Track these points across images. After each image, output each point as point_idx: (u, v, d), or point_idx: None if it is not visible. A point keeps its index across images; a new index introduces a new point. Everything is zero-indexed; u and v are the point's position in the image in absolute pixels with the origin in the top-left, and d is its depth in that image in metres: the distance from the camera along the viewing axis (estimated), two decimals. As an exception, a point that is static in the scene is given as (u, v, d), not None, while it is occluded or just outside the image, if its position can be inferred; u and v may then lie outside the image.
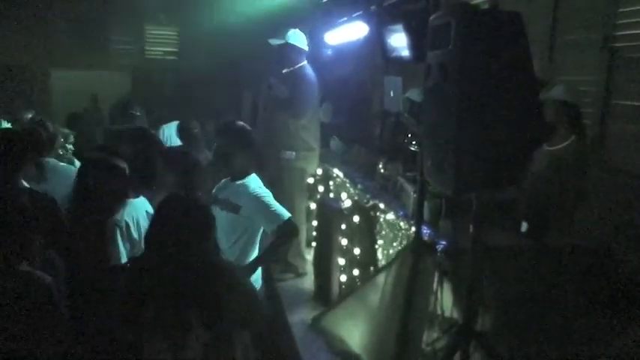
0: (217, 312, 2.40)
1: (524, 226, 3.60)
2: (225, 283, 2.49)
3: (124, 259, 3.03)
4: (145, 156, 3.66)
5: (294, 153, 5.41)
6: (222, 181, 3.74)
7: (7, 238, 2.50)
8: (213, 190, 3.73)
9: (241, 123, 3.87)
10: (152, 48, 11.79)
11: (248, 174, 3.63)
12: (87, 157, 3.34)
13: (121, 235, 3.06)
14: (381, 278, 3.61)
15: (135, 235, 3.10)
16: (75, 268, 3.04)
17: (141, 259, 2.59)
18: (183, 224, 2.46)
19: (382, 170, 4.67)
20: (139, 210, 3.18)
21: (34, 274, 2.53)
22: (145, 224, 3.08)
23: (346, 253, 4.57)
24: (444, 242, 3.28)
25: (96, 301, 2.91)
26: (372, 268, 4.27)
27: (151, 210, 3.20)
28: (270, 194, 3.58)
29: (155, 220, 2.58)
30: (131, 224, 3.10)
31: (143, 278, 2.46)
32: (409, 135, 4.52)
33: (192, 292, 2.39)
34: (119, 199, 3.12)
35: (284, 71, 5.40)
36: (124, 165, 3.17)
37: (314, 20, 5.86)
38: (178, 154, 4.09)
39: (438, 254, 3.24)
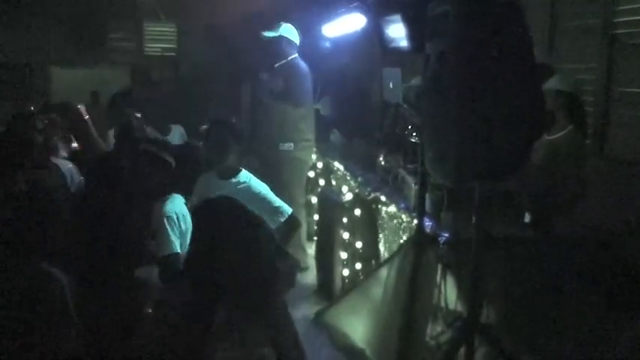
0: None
1: (527, 217, 3.57)
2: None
3: (176, 249, 3.05)
4: None
5: (292, 144, 5.42)
6: (209, 179, 3.69)
7: (28, 235, 2.51)
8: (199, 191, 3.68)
9: (232, 120, 3.86)
10: (151, 45, 11.74)
11: (239, 170, 3.62)
12: (140, 149, 3.40)
13: (171, 226, 3.07)
14: (383, 272, 3.58)
15: (183, 226, 3.12)
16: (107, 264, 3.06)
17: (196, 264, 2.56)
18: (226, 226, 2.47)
19: (383, 162, 4.64)
20: (180, 204, 3.20)
21: (51, 273, 2.53)
22: (188, 218, 3.13)
23: (348, 246, 4.54)
24: (446, 234, 3.25)
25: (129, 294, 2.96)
26: (374, 262, 4.24)
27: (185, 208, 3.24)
28: (268, 188, 3.57)
29: (202, 226, 2.58)
30: (180, 216, 3.13)
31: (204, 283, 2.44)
32: (409, 126, 4.48)
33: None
34: (166, 192, 3.20)
35: (276, 65, 5.41)
36: (171, 160, 3.28)
37: (311, 13, 5.83)
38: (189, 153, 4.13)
39: (441, 246, 3.21)
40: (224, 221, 2.53)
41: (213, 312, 2.40)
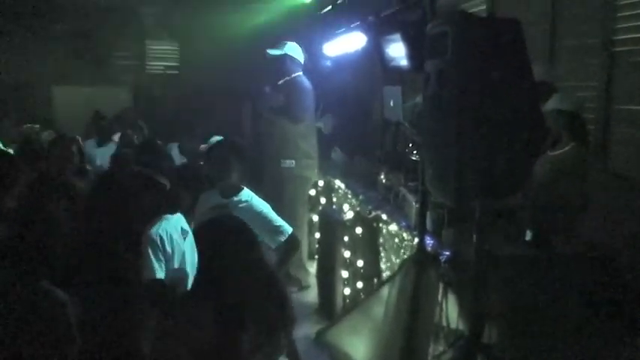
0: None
1: (528, 235, 3.56)
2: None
3: (158, 274, 3.03)
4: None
5: (294, 161, 5.43)
6: (210, 197, 3.69)
7: (32, 254, 2.50)
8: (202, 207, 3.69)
9: (236, 138, 3.87)
10: (153, 63, 11.82)
11: (241, 189, 3.62)
12: (131, 172, 3.46)
13: (154, 249, 3.05)
14: (384, 291, 3.56)
15: (168, 249, 3.09)
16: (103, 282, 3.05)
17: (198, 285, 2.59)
18: (230, 245, 2.50)
19: (384, 180, 4.64)
20: (174, 226, 3.17)
21: (52, 293, 2.52)
22: (179, 240, 3.11)
23: (349, 265, 4.53)
24: (447, 252, 3.24)
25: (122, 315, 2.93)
26: (375, 281, 4.23)
27: (186, 226, 3.23)
28: (270, 207, 3.57)
29: (204, 245, 2.60)
30: (165, 239, 3.08)
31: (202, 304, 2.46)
32: (410, 144, 4.49)
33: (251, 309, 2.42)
34: (158, 213, 3.16)
35: (280, 82, 5.44)
36: (166, 182, 3.27)
37: (312, 32, 5.88)
38: (192, 172, 4.14)
39: (442, 265, 3.20)
40: (227, 240, 2.53)
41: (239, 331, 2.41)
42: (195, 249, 3.09)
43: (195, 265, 3.07)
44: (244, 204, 3.58)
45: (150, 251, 3.03)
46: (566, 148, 3.67)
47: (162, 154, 4.60)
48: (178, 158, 5.75)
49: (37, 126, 7.44)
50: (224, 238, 2.55)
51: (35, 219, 2.68)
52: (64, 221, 3.10)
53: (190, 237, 3.19)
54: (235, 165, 3.65)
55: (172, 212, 3.21)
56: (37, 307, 2.47)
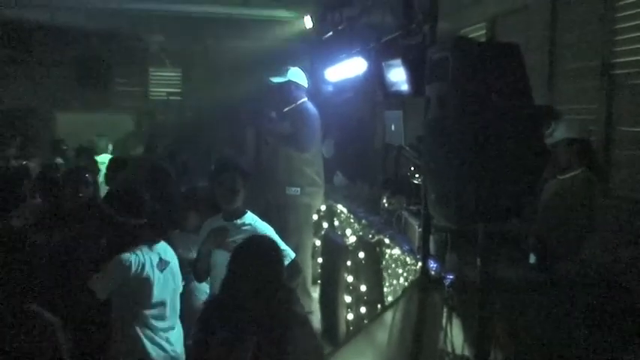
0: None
1: (532, 258, 3.54)
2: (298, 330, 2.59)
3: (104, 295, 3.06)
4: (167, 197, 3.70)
5: (299, 189, 5.37)
6: (215, 220, 3.70)
7: (18, 277, 2.50)
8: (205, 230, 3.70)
9: (240, 160, 3.88)
10: (156, 89, 11.93)
11: (244, 212, 3.62)
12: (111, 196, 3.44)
13: (123, 273, 3.07)
14: (388, 316, 3.53)
15: (149, 274, 3.12)
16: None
17: (218, 298, 2.74)
18: (262, 266, 2.64)
19: (386, 204, 4.63)
20: (151, 255, 3.18)
21: (41, 315, 2.52)
22: (153, 270, 3.14)
23: (352, 290, 4.50)
24: (451, 276, 3.22)
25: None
26: (379, 306, 4.20)
27: (169, 256, 3.27)
28: (273, 231, 3.56)
29: (234, 261, 2.70)
30: (134, 266, 3.09)
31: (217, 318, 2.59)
32: (412, 168, 4.49)
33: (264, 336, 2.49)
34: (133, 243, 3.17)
35: (285, 109, 5.41)
36: (149, 209, 3.27)
37: (314, 58, 5.92)
38: (201, 193, 4.16)
39: (446, 289, 3.17)
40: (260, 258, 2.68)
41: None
42: (180, 277, 3.27)
43: (177, 292, 3.26)
44: (247, 227, 3.57)
45: (112, 272, 3.08)
46: (575, 172, 3.69)
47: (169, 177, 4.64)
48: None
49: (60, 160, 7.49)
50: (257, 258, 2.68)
51: (25, 244, 2.68)
52: (59, 247, 3.10)
53: (171, 266, 3.24)
54: (242, 189, 3.65)
55: (152, 242, 3.23)
56: (26, 330, 2.47)
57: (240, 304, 2.58)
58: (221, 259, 3.41)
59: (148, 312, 3.13)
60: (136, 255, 3.10)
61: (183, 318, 3.38)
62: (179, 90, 11.91)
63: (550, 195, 3.70)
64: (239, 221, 3.59)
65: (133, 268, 3.07)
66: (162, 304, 3.19)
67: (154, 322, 3.15)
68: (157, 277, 3.14)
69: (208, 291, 3.71)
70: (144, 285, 3.11)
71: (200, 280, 3.69)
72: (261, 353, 2.44)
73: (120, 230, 3.18)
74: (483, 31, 6.58)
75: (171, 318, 3.26)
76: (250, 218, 3.64)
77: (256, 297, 2.57)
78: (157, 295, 3.15)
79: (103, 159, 7.86)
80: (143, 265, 3.10)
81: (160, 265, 3.19)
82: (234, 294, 2.63)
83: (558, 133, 3.73)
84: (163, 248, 3.29)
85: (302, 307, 2.89)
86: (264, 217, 3.83)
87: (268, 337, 2.48)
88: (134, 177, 4.62)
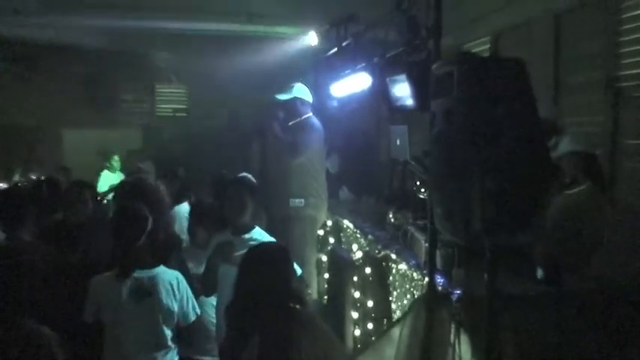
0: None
1: (539, 273, 3.53)
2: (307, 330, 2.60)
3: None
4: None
5: (302, 200, 5.39)
6: (222, 235, 3.71)
7: (15, 292, 2.50)
8: (213, 244, 3.70)
9: (247, 175, 3.89)
10: (162, 106, 12.01)
11: (252, 227, 3.63)
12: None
13: (98, 296, 3.13)
14: (395, 332, 3.52)
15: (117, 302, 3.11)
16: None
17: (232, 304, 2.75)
18: (270, 272, 2.69)
19: (392, 219, 4.62)
20: (140, 280, 3.18)
21: (38, 331, 2.51)
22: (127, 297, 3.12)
23: (359, 306, 4.48)
24: (458, 291, 3.21)
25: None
26: (386, 321, 4.18)
27: (156, 286, 3.19)
28: None
29: (243, 267, 2.75)
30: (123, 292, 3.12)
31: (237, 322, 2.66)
32: (418, 182, 4.49)
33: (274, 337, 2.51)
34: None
35: (290, 123, 5.46)
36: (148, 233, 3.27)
37: (319, 73, 5.95)
38: (209, 209, 4.18)
39: (453, 304, 3.16)
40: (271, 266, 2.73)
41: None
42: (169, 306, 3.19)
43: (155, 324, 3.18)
44: (254, 242, 3.57)
45: (90, 294, 3.16)
46: (582, 187, 3.69)
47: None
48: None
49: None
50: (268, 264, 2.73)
51: (21, 260, 2.68)
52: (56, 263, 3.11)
53: (157, 299, 3.16)
54: (250, 204, 3.66)
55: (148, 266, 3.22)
56: (23, 346, 2.46)
57: (247, 304, 2.63)
58: (228, 273, 3.42)
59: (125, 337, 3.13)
60: (112, 279, 3.12)
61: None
62: (185, 106, 11.98)
63: (557, 210, 3.69)
64: (246, 236, 3.60)
65: (104, 292, 3.10)
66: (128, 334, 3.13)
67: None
68: (125, 306, 3.12)
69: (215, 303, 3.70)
70: (112, 312, 3.12)
71: (207, 294, 3.68)
72: (265, 353, 2.46)
73: (118, 250, 3.19)
74: (487, 46, 6.61)
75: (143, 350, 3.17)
76: (258, 233, 3.66)
77: (264, 298, 2.61)
78: (123, 324, 3.11)
79: (112, 177, 7.94)
80: (117, 292, 3.11)
81: (136, 294, 3.13)
82: (242, 295, 2.68)
83: (562, 146, 3.74)
84: (156, 276, 3.20)
85: (310, 310, 2.89)
86: (268, 230, 3.84)
87: (272, 338, 2.51)
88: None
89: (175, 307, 3.21)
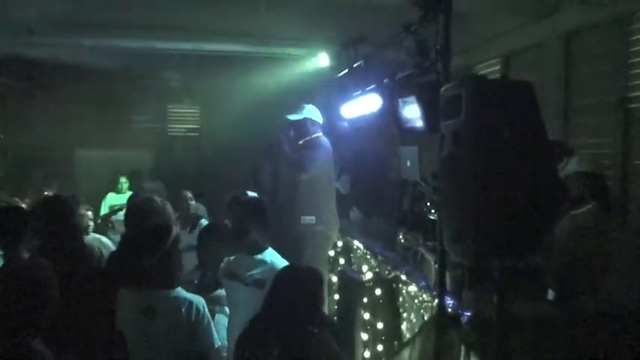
0: None
1: (550, 294, 3.51)
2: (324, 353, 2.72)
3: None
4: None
5: (314, 217, 5.38)
6: (235, 255, 3.72)
7: (21, 312, 2.48)
8: (224, 264, 3.71)
9: (255, 195, 3.90)
10: (174, 126, 12.09)
11: (265, 247, 3.63)
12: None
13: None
14: (405, 354, 3.50)
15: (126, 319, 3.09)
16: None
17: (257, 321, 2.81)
18: (299, 293, 2.77)
19: (402, 240, 4.62)
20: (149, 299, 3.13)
21: (42, 353, 2.49)
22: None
23: (369, 327, 4.46)
24: (468, 313, 3.19)
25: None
26: (396, 343, 4.15)
27: (161, 308, 3.09)
28: None
29: (277, 284, 2.82)
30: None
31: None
32: (428, 204, 4.49)
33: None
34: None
35: (300, 142, 5.49)
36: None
37: (329, 94, 6.00)
38: (224, 228, 4.18)
39: (463, 326, 3.14)
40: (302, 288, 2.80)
41: None
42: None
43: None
44: (266, 262, 3.57)
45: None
46: (588, 207, 3.67)
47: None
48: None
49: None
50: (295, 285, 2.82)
51: (25, 278, 2.64)
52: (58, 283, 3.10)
53: (167, 321, 3.06)
54: (254, 223, 3.66)
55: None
56: None
57: (274, 320, 2.71)
58: (237, 290, 3.42)
59: None
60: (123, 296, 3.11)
61: None
62: (197, 126, 12.06)
63: (563, 231, 3.68)
64: (259, 256, 3.61)
65: (122, 306, 3.11)
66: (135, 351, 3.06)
67: None
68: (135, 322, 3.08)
69: (226, 324, 3.69)
70: (123, 326, 3.08)
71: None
72: None
73: (131, 270, 3.16)
74: (497, 67, 6.64)
75: None
76: (270, 254, 3.65)
77: (291, 317, 2.68)
78: (131, 341, 3.04)
79: (118, 199, 7.96)
80: (132, 307, 3.09)
81: (150, 313, 3.04)
82: (270, 309, 2.77)
83: (570, 166, 3.73)
84: (169, 297, 3.09)
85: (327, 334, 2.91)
86: (280, 248, 3.84)
87: (290, 356, 2.57)
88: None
89: (183, 333, 3.04)
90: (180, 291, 3.13)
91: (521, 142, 2.34)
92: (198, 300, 3.11)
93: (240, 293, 3.52)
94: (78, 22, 6.73)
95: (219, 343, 3.20)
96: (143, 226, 3.37)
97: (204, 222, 5.83)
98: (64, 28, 6.74)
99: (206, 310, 3.10)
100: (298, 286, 2.80)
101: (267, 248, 3.67)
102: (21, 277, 2.58)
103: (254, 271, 3.51)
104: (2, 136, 10.64)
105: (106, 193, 8.44)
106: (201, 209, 6.71)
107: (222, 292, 3.80)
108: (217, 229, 4.39)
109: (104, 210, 7.48)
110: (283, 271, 2.96)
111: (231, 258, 3.73)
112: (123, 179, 8.31)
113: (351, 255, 5.62)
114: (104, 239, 4.98)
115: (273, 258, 3.64)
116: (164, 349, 3.04)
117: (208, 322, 3.09)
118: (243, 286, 3.44)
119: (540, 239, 2.51)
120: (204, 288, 3.77)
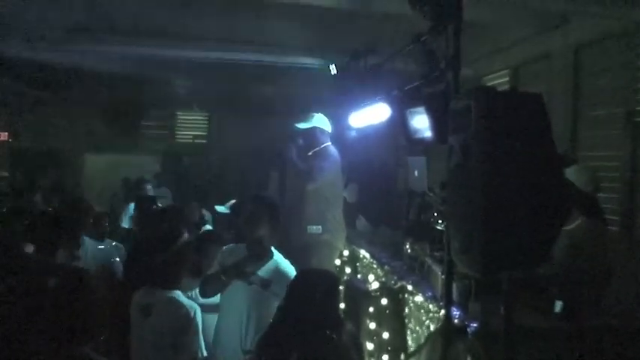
0: None
1: (558, 306, 3.49)
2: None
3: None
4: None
5: (320, 227, 5.37)
6: (237, 252, 3.63)
7: (74, 320, 2.49)
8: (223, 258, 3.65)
9: (270, 197, 3.89)
10: (182, 132, 12.16)
11: (268, 249, 3.60)
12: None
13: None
14: (411, 364, 3.49)
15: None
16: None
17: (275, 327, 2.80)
18: (316, 297, 2.74)
19: (409, 250, 4.62)
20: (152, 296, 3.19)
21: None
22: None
23: (375, 337, 4.44)
24: (475, 325, 3.18)
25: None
26: (402, 354, 4.14)
27: (161, 307, 3.12)
28: (294, 270, 3.56)
29: (294, 289, 2.81)
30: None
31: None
32: (435, 214, 4.49)
33: None
34: None
35: (309, 153, 5.49)
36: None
37: (338, 104, 6.01)
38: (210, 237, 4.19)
39: (470, 337, 3.13)
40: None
41: None
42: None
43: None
44: (271, 264, 3.54)
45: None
46: (578, 222, 3.62)
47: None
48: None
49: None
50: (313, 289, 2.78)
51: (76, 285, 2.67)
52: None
53: (166, 320, 3.08)
54: (265, 223, 3.59)
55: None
56: None
57: (292, 325, 2.69)
58: (239, 290, 3.39)
59: None
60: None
61: None
62: (205, 133, 12.12)
63: (559, 247, 3.64)
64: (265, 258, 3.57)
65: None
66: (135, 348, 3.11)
67: None
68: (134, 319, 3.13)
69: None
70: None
71: (206, 296, 3.54)
72: None
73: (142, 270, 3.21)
74: (506, 79, 6.64)
75: None
76: (275, 255, 3.62)
77: (310, 321, 2.67)
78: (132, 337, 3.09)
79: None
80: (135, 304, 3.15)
81: (145, 311, 3.09)
82: (288, 314, 2.76)
83: (568, 174, 3.69)
84: (163, 299, 3.12)
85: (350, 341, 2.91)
86: (285, 258, 3.82)
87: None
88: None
89: (170, 336, 3.04)
90: (178, 294, 3.16)
91: (531, 154, 2.35)
92: (192, 306, 3.11)
93: (238, 292, 3.44)
94: (90, 30, 6.80)
95: (204, 354, 3.17)
96: (155, 227, 3.40)
97: (208, 227, 5.84)
98: (76, 35, 6.81)
99: (198, 318, 3.10)
100: (315, 290, 2.78)
101: (270, 250, 3.63)
102: (72, 284, 2.60)
103: (256, 270, 3.44)
104: (11, 140, 10.73)
105: (121, 201, 8.37)
106: (207, 216, 6.70)
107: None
108: (219, 235, 4.37)
109: (126, 222, 7.27)
110: (299, 275, 2.95)
111: (231, 253, 3.62)
112: (149, 186, 8.14)
113: (358, 264, 5.61)
114: (119, 245, 4.96)
115: (279, 259, 3.59)
116: (152, 349, 3.06)
117: (196, 331, 3.08)
118: (245, 285, 3.40)
119: (549, 251, 2.51)
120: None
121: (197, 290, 3.60)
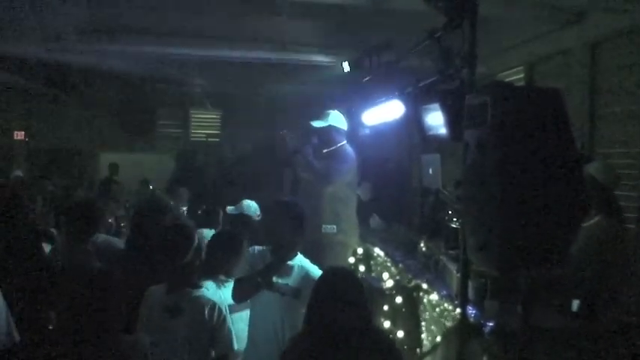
0: None
1: (575, 305, 3.44)
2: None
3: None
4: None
5: (335, 226, 5.35)
6: (264, 256, 3.58)
7: (111, 306, 2.53)
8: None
9: (295, 200, 3.85)
10: (196, 131, 12.21)
11: (294, 253, 3.56)
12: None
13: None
14: (426, 363, 3.47)
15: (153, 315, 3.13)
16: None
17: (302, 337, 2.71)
18: (344, 295, 2.63)
19: (423, 248, 4.59)
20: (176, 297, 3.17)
21: (136, 340, 2.62)
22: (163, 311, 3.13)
23: (389, 335, 4.43)
24: (491, 324, 3.15)
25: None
26: (417, 352, 4.12)
27: (184, 305, 3.14)
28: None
29: (317, 292, 2.71)
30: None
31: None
32: (450, 212, 4.46)
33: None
34: None
35: (325, 151, 5.46)
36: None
37: (351, 101, 5.99)
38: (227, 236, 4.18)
39: (486, 337, 3.11)
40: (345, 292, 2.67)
41: None
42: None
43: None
44: (304, 270, 3.49)
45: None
46: (597, 219, 3.55)
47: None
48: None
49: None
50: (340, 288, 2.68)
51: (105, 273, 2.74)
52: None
53: (191, 318, 3.10)
54: (287, 226, 3.55)
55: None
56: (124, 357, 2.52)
57: (317, 336, 2.62)
58: (271, 301, 3.36)
59: None
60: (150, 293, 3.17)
61: None
62: (218, 132, 12.16)
63: (578, 243, 3.58)
64: (289, 262, 3.54)
65: (150, 304, 3.16)
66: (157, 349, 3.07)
67: None
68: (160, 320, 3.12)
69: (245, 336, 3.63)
70: (148, 323, 3.13)
71: (239, 300, 3.50)
72: None
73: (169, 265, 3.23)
74: (521, 75, 6.58)
75: None
76: (300, 260, 3.57)
77: (342, 324, 2.59)
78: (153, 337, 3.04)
79: None
80: (159, 305, 3.14)
81: (175, 311, 3.10)
82: (314, 326, 2.67)
83: (589, 167, 3.62)
84: (193, 296, 3.15)
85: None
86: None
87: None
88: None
89: (204, 333, 3.10)
90: (205, 292, 3.22)
91: (549, 151, 2.31)
92: (222, 302, 3.18)
93: (270, 302, 3.40)
94: (104, 29, 6.84)
95: (237, 347, 3.25)
96: (172, 227, 3.42)
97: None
98: (91, 35, 6.86)
99: (227, 313, 3.17)
100: (340, 296, 2.65)
101: (297, 254, 3.58)
102: (102, 272, 2.69)
103: (285, 279, 3.41)
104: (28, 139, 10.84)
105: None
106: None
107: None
108: (228, 236, 4.33)
109: None
110: (321, 281, 2.82)
111: (262, 259, 3.56)
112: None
113: (372, 262, 5.59)
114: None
115: (304, 264, 3.54)
116: (184, 348, 3.09)
117: (229, 326, 3.16)
118: (277, 295, 3.33)
119: (567, 249, 2.47)
120: None
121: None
